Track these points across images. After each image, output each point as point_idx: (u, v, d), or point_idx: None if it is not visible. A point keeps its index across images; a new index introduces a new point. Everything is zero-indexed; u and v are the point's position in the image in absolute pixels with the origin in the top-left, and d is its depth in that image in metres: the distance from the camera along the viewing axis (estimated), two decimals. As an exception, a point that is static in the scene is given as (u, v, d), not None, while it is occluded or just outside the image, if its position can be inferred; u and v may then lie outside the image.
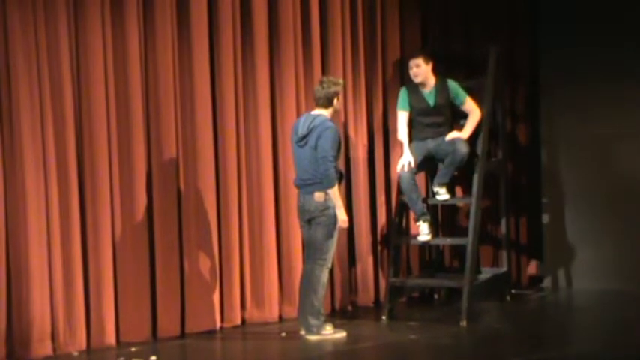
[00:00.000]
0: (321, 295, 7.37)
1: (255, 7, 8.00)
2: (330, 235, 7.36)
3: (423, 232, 8.19)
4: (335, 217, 7.34)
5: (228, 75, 7.86)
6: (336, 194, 7.32)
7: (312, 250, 7.43)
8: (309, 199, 7.37)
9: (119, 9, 7.27)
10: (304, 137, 7.38)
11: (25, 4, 6.81)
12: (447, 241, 8.93)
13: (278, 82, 8.19)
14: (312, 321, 7.35)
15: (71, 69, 7.05)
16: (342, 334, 7.45)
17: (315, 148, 7.29)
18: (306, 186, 7.40)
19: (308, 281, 7.39)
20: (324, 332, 7.38)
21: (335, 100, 7.45)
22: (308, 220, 7.42)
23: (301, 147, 7.42)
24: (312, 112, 7.52)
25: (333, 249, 7.43)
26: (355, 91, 8.67)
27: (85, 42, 7.12)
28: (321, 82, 7.50)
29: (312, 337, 7.35)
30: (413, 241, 8.35)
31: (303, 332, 7.42)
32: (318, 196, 7.32)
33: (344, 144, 8.50)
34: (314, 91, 7.55)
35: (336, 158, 7.36)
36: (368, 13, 8.80)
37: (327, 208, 7.31)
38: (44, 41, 6.90)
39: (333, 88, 7.44)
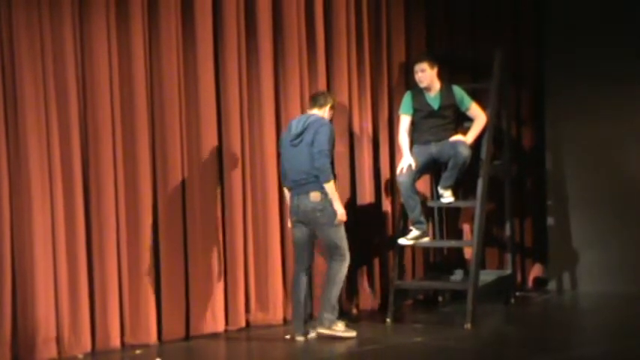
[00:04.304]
0: (337, 291, 7.42)
1: (260, 10, 8.01)
2: (338, 230, 7.39)
3: (410, 235, 8.22)
4: (335, 212, 7.36)
5: (232, 77, 7.87)
6: (332, 188, 7.34)
7: (328, 250, 7.49)
8: (304, 199, 7.38)
9: (124, 12, 7.29)
10: (299, 135, 7.40)
11: (30, 7, 6.83)
12: (451, 244, 8.93)
13: (282, 85, 8.20)
14: (326, 314, 7.41)
15: (76, 71, 7.07)
16: (351, 334, 7.48)
17: (312, 143, 7.32)
18: (299, 186, 7.41)
19: (327, 276, 7.47)
20: (335, 327, 7.43)
21: (329, 106, 7.60)
22: (302, 221, 7.42)
23: (295, 146, 7.43)
24: (306, 113, 7.61)
25: (346, 242, 7.44)
26: (360, 94, 8.67)
27: (90, 44, 7.14)
28: (320, 92, 7.83)
29: (323, 331, 7.41)
30: (403, 241, 8.30)
31: (300, 334, 7.43)
32: (314, 195, 7.33)
33: (349, 146, 8.53)
34: (312, 96, 7.71)
35: (331, 155, 7.41)
36: (373, 15, 8.80)
37: (324, 207, 7.33)
38: (49, 44, 6.92)
39: (330, 98, 7.68)
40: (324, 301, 7.43)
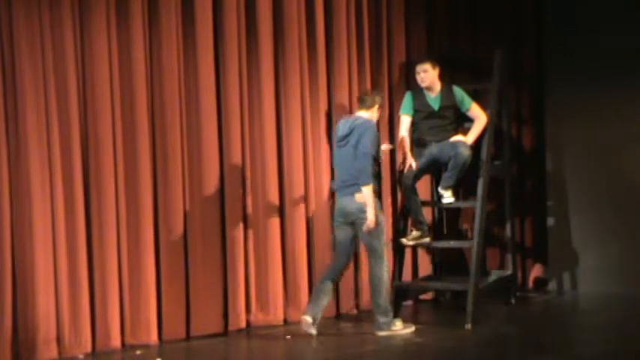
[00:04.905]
0: (385, 294, 7.52)
1: (260, 10, 8.01)
2: (379, 234, 7.48)
3: (410, 235, 8.26)
4: (379, 215, 7.46)
5: (233, 76, 7.86)
6: (369, 192, 7.39)
7: (367, 250, 7.62)
8: (348, 201, 7.47)
9: (124, 12, 7.29)
10: (345, 136, 7.51)
11: (30, 5, 6.83)
12: (451, 244, 8.93)
13: (283, 84, 8.19)
14: (381, 319, 7.53)
15: (76, 70, 7.07)
16: (411, 329, 7.61)
17: (357, 145, 7.39)
18: (345, 187, 7.50)
19: (371, 282, 7.58)
20: (393, 328, 7.55)
21: (376, 107, 7.66)
22: (350, 222, 7.51)
23: (341, 147, 7.55)
24: (354, 115, 7.69)
25: (383, 245, 7.54)
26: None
27: (91, 44, 7.14)
28: (367, 92, 7.86)
29: (383, 334, 7.51)
30: (403, 242, 8.32)
31: (308, 315, 7.50)
32: (359, 197, 7.42)
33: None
34: (360, 97, 7.78)
35: (375, 158, 7.50)
36: (373, 15, 8.80)
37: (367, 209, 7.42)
38: (49, 42, 6.93)
39: (379, 98, 7.73)
40: (375, 306, 7.56)
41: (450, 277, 8.83)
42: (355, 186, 7.43)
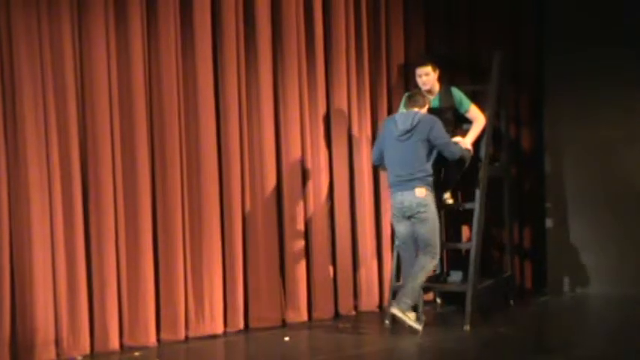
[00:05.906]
0: (420, 281, 7.63)
1: (259, 11, 8.01)
2: (435, 228, 7.62)
3: None
4: (434, 211, 7.62)
5: (231, 78, 7.87)
6: (462, 144, 7.87)
7: (422, 245, 7.65)
8: (408, 196, 7.56)
9: (123, 14, 7.30)
10: (409, 131, 7.60)
11: (29, 8, 6.84)
12: (450, 245, 8.93)
13: (281, 86, 8.19)
14: (405, 299, 7.57)
15: (75, 72, 7.08)
16: (419, 327, 7.59)
17: (427, 139, 7.57)
18: (404, 182, 7.58)
19: (417, 265, 7.64)
20: (408, 314, 7.57)
21: (427, 106, 7.86)
22: (408, 216, 7.59)
23: (402, 141, 7.61)
24: (410, 111, 7.77)
25: (439, 242, 7.70)
26: (359, 95, 8.67)
27: (89, 45, 7.15)
28: (417, 92, 7.95)
29: (397, 312, 7.53)
30: None
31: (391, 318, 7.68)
32: (419, 191, 7.54)
33: (347, 148, 8.53)
34: (410, 96, 7.89)
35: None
36: (372, 16, 8.80)
37: (428, 203, 7.54)
38: (48, 45, 6.93)
39: (426, 97, 7.94)
40: (408, 285, 7.60)
41: (447, 277, 8.84)
42: (415, 180, 7.54)
